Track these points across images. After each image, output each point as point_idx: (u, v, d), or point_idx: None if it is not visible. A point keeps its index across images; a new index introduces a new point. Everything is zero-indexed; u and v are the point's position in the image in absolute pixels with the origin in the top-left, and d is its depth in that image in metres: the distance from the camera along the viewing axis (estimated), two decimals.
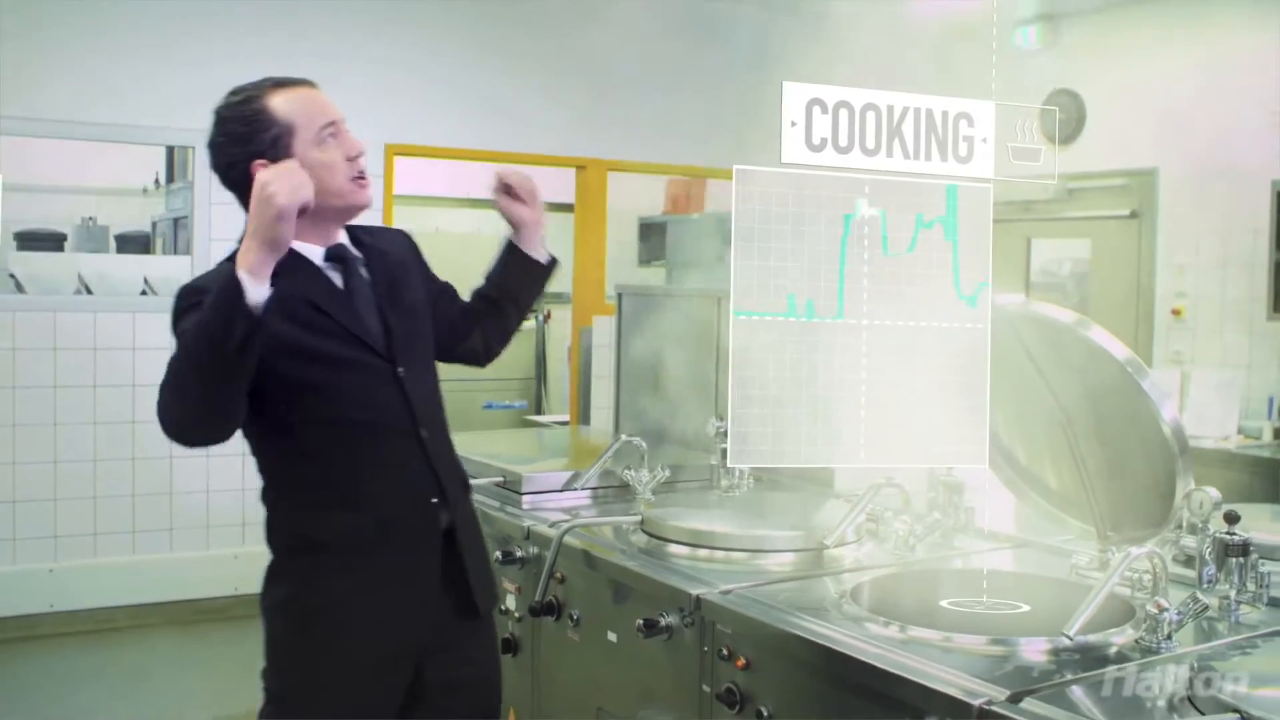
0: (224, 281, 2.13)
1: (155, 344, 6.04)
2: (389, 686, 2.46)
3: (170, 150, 7.19)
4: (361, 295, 2.49)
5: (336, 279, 2.48)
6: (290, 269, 2.34)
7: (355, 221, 2.57)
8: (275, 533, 2.50)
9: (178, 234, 7.17)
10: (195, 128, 6.09)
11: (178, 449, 6.50)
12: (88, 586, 6.01)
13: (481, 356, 2.87)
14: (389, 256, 2.59)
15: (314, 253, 2.47)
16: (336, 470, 2.43)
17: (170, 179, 7.58)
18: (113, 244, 7.92)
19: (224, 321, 2.12)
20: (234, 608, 6.10)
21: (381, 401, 2.46)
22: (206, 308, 2.15)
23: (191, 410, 2.24)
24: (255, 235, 2.15)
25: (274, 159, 2.32)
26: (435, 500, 2.50)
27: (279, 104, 2.39)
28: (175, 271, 6.51)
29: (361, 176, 2.46)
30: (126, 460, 6.09)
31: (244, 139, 2.38)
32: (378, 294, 2.52)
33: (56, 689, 5.27)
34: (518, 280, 2.82)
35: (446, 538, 2.52)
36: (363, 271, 2.52)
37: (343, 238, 2.54)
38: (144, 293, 6.53)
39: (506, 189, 2.72)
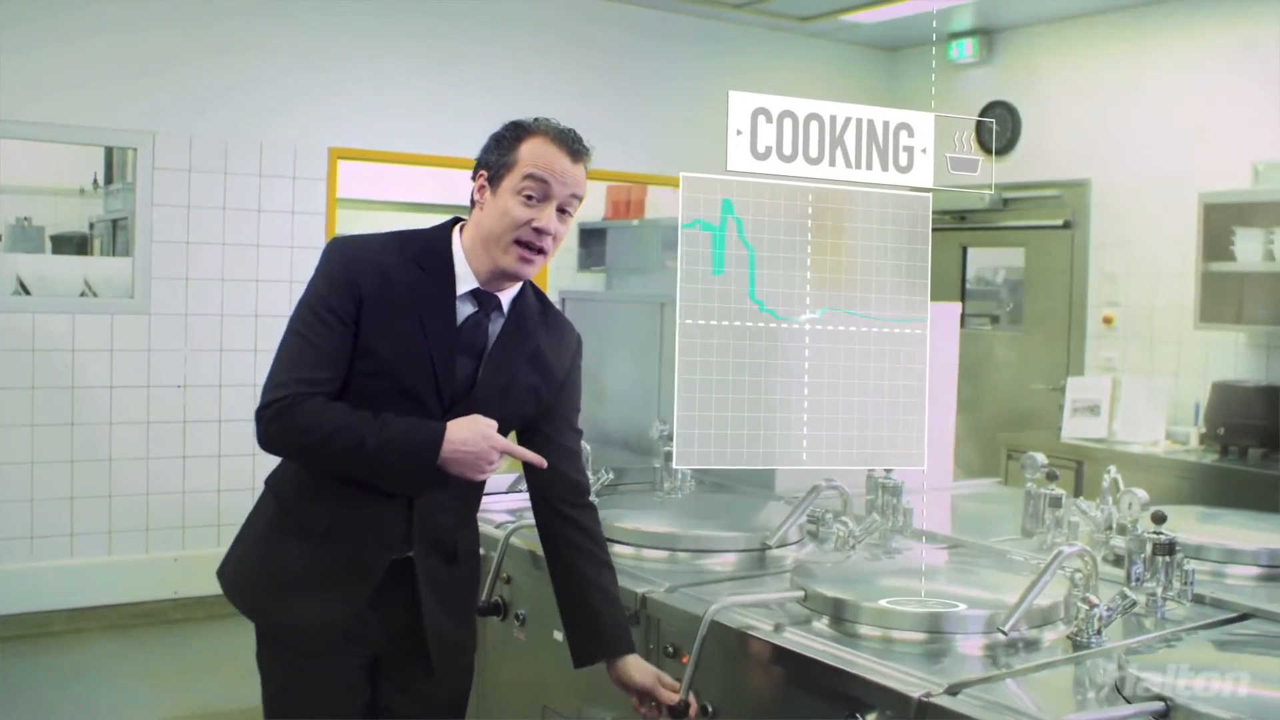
0: (425, 448, 2.32)
1: (95, 345, 6.01)
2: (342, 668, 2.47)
3: (109, 151, 7.10)
4: (470, 342, 2.44)
5: (460, 315, 2.44)
6: (433, 279, 2.41)
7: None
8: (269, 483, 2.54)
9: (116, 235, 7.08)
10: (136, 129, 6.15)
11: (116, 451, 6.35)
12: (24, 590, 5.90)
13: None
14: (530, 338, 2.52)
15: (467, 279, 2.44)
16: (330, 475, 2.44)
17: (109, 180, 7.49)
18: (48, 244, 7.81)
19: (395, 468, 2.35)
20: (172, 611, 6.06)
21: None
22: (396, 441, 2.31)
23: (300, 455, 2.43)
24: (456, 464, 2.34)
25: (490, 181, 2.42)
26: (405, 555, 2.45)
27: (528, 147, 2.39)
28: (116, 273, 6.46)
29: (527, 246, 2.39)
30: (65, 463, 6.00)
31: (488, 149, 2.46)
32: (488, 352, 2.46)
33: None
34: (569, 620, 2.65)
35: (410, 595, 2.46)
36: (492, 325, 2.47)
37: (512, 289, 2.50)
38: (83, 294, 6.46)
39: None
